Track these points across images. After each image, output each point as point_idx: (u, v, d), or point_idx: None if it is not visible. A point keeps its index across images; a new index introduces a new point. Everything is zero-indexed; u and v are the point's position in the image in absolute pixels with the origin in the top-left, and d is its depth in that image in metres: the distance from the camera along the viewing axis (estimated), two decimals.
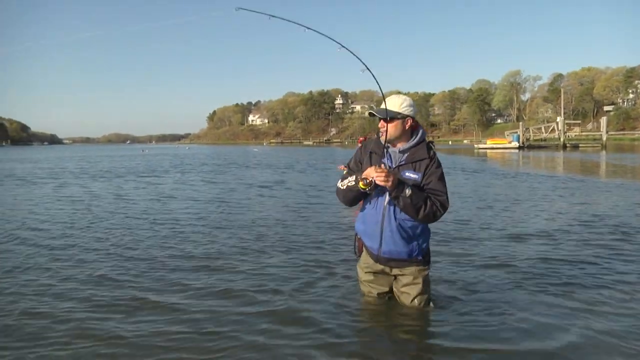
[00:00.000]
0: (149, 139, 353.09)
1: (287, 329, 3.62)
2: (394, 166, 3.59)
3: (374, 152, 3.70)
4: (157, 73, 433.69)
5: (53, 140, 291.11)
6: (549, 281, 4.72)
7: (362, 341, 3.51)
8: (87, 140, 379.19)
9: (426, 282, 3.81)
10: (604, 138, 53.93)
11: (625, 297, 4.23)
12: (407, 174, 3.52)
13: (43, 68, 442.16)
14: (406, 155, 3.60)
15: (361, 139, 11.96)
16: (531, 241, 6.51)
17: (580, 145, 54.94)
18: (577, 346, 3.31)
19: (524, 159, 31.44)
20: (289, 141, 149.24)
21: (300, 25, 4.01)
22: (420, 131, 3.67)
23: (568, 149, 49.77)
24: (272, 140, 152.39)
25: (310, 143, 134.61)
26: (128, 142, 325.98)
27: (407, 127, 3.60)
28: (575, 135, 64.21)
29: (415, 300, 3.76)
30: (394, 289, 3.90)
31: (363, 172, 3.48)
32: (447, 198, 3.53)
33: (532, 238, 6.69)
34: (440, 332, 3.55)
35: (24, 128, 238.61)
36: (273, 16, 4.16)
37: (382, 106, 3.60)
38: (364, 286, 4.03)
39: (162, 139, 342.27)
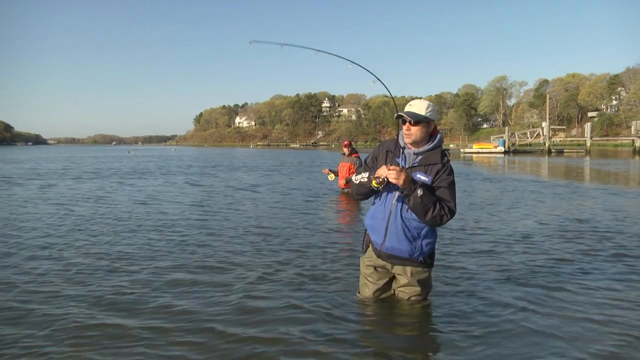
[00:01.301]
0: (135, 140, 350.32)
1: (280, 328, 3.67)
2: (407, 166, 3.69)
3: (390, 150, 3.84)
4: (143, 74, 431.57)
5: (37, 140, 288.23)
6: (542, 279, 4.87)
7: (354, 339, 3.52)
8: (73, 141, 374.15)
9: (424, 283, 3.92)
10: (588, 144, 54.32)
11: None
12: (417, 175, 3.63)
13: (26, 67, 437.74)
14: (420, 157, 3.71)
15: (345, 142, 12.26)
16: (519, 243, 6.57)
17: (565, 150, 55.43)
18: (577, 343, 3.41)
19: (510, 164, 31.59)
20: (276, 144, 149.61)
21: (312, 49, 4.14)
22: (438, 136, 3.79)
23: (553, 154, 50.19)
24: (258, 143, 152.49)
25: (297, 146, 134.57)
26: (114, 143, 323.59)
27: (430, 131, 3.73)
28: (560, 141, 64.66)
29: (412, 299, 3.91)
30: (393, 287, 4.03)
31: (377, 169, 3.60)
32: (455, 205, 3.62)
33: (521, 240, 6.78)
34: (435, 329, 3.67)
35: (7, 128, 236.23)
36: (285, 44, 4.32)
37: (407, 109, 3.70)
38: (361, 279, 4.17)
39: (149, 140, 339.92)
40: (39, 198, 12.06)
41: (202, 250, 6.18)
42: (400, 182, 3.46)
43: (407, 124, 3.66)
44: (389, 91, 3.82)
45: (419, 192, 3.46)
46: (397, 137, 3.88)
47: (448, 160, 3.72)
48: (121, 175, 20.80)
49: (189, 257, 5.77)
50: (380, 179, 3.54)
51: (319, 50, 4.08)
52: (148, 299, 4.27)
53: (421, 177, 3.63)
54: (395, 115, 3.85)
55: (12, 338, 3.48)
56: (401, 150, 3.79)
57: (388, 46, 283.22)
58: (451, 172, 3.70)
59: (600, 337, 3.51)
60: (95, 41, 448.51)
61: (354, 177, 3.87)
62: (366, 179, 3.70)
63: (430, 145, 3.73)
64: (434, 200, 3.52)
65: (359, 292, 4.21)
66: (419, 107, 3.69)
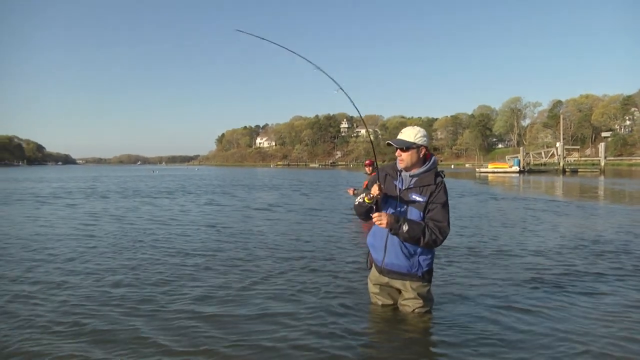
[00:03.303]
0: (159, 160, 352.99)
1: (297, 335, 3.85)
2: (403, 188, 3.87)
3: (388, 174, 4.00)
4: (167, 96, 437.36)
5: (67, 160, 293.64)
6: (545, 293, 5.08)
7: (361, 345, 3.69)
8: (100, 161, 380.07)
9: (425, 297, 4.02)
10: (602, 163, 54.21)
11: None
12: (413, 196, 3.80)
13: (58, 91, 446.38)
14: (415, 179, 3.86)
15: (367, 162, 12.33)
16: (529, 258, 6.87)
17: (579, 170, 55.05)
18: (580, 353, 3.50)
19: (525, 183, 31.70)
20: (296, 164, 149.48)
21: (288, 49, 4.42)
22: (432, 159, 3.93)
23: (567, 173, 49.91)
24: (279, 163, 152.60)
25: (316, 166, 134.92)
26: (139, 162, 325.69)
27: (421, 156, 3.86)
28: (574, 160, 64.49)
29: (415, 312, 4.00)
30: (398, 301, 4.13)
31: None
32: (448, 225, 3.75)
33: (531, 255, 7.07)
34: (438, 340, 3.75)
35: (40, 148, 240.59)
36: (265, 39, 4.56)
37: (398, 137, 3.90)
38: (372, 297, 4.32)
39: (172, 160, 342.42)
40: (64, 217, 12.31)
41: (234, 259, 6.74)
42: (384, 224, 3.63)
43: (399, 150, 3.83)
44: (352, 102, 4.20)
45: (405, 227, 3.62)
46: (396, 161, 3.98)
47: (442, 182, 3.82)
48: (146, 194, 21.28)
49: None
50: (371, 196, 3.72)
51: (292, 52, 4.38)
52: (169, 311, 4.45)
53: (417, 197, 3.77)
54: (386, 142, 3.98)
55: None
56: (398, 174, 3.93)
57: (407, 69, 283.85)
58: (445, 192, 3.80)
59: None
60: (119, 62, 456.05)
61: (355, 200, 4.02)
62: (361, 199, 3.87)
63: (424, 168, 3.85)
64: (421, 229, 3.64)
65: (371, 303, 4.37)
66: (407, 134, 3.86)
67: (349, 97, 4.16)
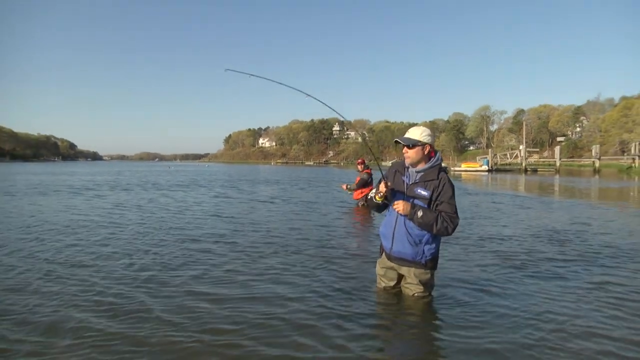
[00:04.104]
0: (174, 157, 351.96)
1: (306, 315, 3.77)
2: (410, 183, 3.79)
3: (397, 170, 3.93)
4: (182, 101, 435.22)
5: (95, 156, 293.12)
6: (513, 275, 5.10)
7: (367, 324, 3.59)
8: (122, 157, 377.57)
9: (426, 283, 3.94)
10: (558, 164, 54.47)
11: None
12: (418, 190, 3.72)
13: (88, 95, 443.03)
14: (420, 174, 3.77)
15: (359, 160, 12.38)
16: (500, 245, 6.85)
17: (538, 169, 55.39)
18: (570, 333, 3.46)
19: (493, 181, 31.78)
20: (293, 161, 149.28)
21: (276, 81, 4.46)
22: (437, 156, 3.82)
23: (529, 172, 50.01)
24: (278, 161, 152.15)
25: (311, 163, 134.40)
26: (156, 159, 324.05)
27: (425, 153, 3.77)
28: (534, 161, 64.60)
29: (415, 296, 3.95)
30: (401, 284, 4.09)
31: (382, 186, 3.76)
32: (457, 215, 3.65)
33: (501, 242, 7.06)
34: (436, 318, 3.73)
35: (72, 146, 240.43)
36: (253, 75, 4.63)
37: (406, 135, 3.79)
38: (377, 279, 4.28)
39: (185, 157, 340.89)
40: (94, 206, 12.12)
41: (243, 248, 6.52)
42: (401, 210, 3.63)
43: (405, 147, 3.75)
44: (340, 114, 4.21)
45: (419, 213, 3.57)
46: (404, 159, 3.92)
47: (444, 176, 3.71)
48: (164, 187, 20.97)
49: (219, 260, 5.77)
50: (382, 194, 3.70)
51: (280, 83, 4.47)
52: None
53: (421, 191, 3.69)
54: (394, 140, 3.90)
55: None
56: (406, 170, 3.86)
57: (391, 74, 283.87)
58: (450, 185, 3.69)
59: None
60: (141, 73, 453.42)
61: (370, 194, 3.98)
62: (372, 196, 3.86)
63: (429, 165, 3.76)
64: (434, 216, 3.56)
65: (376, 286, 4.33)
66: (413, 133, 3.76)
67: (339, 113, 4.19)
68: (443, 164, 3.92)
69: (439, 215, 3.59)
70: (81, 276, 4.91)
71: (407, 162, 3.83)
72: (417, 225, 3.65)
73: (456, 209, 3.68)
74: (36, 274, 4.97)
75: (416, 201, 3.73)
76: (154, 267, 5.33)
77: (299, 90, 4.32)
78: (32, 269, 5.23)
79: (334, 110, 4.20)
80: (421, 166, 3.80)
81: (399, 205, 3.64)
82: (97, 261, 5.64)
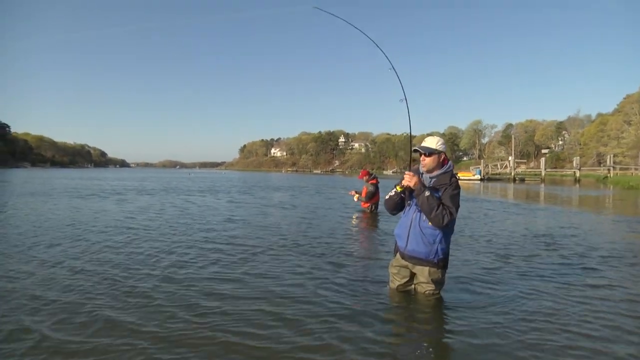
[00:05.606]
0: (194, 165, 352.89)
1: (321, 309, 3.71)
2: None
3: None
4: (201, 113, 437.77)
5: (123, 164, 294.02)
6: (505, 272, 5.12)
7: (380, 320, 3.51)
8: (147, 165, 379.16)
9: (437, 282, 3.85)
10: (543, 174, 54.11)
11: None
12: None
13: (118, 107, 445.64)
14: (434, 180, 3.73)
15: (363, 172, 11.46)
16: (493, 245, 6.86)
17: (525, 179, 54.80)
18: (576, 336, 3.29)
19: (485, 189, 31.61)
20: (302, 170, 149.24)
21: (362, 33, 4.48)
22: (449, 164, 3.78)
23: (517, 181, 49.70)
24: (289, 169, 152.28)
25: (319, 172, 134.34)
26: (178, 167, 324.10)
27: (440, 160, 3.74)
28: (522, 171, 64.40)
29: (426, 292, 3.87)
30: (414, 283, 3.98)
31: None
32: (456, 211, 3.58)
33: (493, 242, 7.05)
34: (445, 314, 3.65)
35: (103, 154, 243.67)
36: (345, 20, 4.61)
37: (423, 144, 3.74)
38: (390, 278, 4.14)
39: (204, 165, 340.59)
40: (122, 209, 11.94)
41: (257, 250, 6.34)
42: (412, 183, 3.58)
43: (423, 155, 3.71)
44: (409, 115, 4.22)
45: (427, 193, 3.52)
46: (419, 166, 3.86)
47: (455, 181, 3.68)
48: (185, 192, 20.87)
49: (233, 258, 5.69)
50: (403, 184, 3.68)
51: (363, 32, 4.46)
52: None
53: (434, 194, 3.60)
54: (413, 149, 3.84)
55: None
56: (421, 175, 3.80)
57: (390, 89, 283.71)
58: (456, 187, 3.64)
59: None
60: (156, 77, 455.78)
61: (386, 196, 3.89)
62: (393, 192, 3.78)
63: (441, 171, 3.72)
64: (438, 202, 3.51)
65: (389, 285, 4.20)
66: (430, 142, 3.72)
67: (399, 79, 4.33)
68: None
69: (441, 205, 3.54)
70: (103, 273, 4.87)
71: (424, 169, 3.79)
72: (420, 204, 3.60)
73: (457, 206, 3.60)
74: (64, 271, 4.98)
75: None
76: (177, 265, 5.27)
77: (385, 57, 4.39)
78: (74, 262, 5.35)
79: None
80: (435, 172, 3.77)
81: (413, 179, 3.61)
82: (117, 257, 5.70)
